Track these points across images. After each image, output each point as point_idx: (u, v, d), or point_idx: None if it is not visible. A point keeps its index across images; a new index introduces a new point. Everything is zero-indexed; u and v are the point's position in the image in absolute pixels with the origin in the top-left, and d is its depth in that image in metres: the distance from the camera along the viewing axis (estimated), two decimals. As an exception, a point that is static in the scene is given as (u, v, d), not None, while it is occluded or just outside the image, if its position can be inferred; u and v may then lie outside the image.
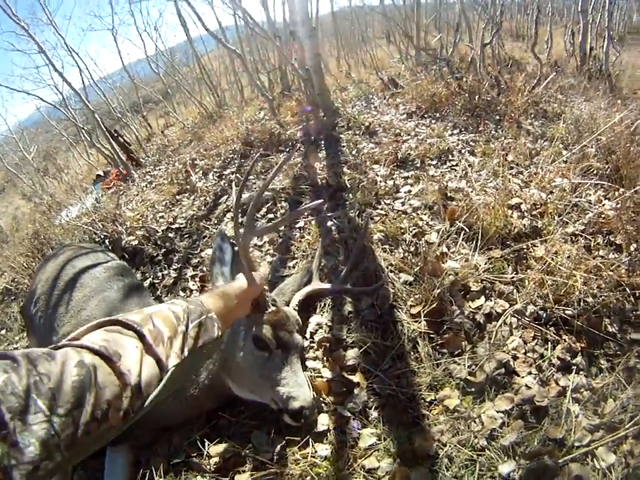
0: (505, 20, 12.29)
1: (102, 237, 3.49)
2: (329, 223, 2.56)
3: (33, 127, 13.92)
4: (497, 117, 4.08)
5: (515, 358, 1.65)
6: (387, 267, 2.10)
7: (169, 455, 1.63)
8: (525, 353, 1.67)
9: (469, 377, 1.62)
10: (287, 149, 3.98)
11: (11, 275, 4.15)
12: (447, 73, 5.76)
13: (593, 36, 7.29)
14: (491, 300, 1.89)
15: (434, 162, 3.28)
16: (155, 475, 1.47)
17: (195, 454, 1.56)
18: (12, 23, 6.29)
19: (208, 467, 1.51)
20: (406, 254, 2.18)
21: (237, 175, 3.75)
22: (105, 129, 6.56)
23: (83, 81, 8.19)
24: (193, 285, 2.62)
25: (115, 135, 6.75)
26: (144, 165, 6.60)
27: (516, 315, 1.80)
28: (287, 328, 1.55)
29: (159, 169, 5.69)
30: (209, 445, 1.55)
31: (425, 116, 4.48)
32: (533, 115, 4.10)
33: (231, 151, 4.45)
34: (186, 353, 0.87)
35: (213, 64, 10.07)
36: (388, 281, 2.02)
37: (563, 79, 5.77)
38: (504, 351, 1.67)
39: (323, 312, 2.01)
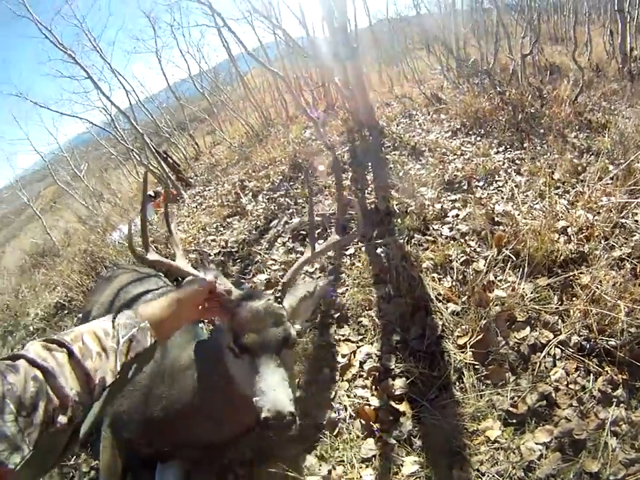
0: (542, 22, 11.93)
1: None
2: (379, 250, 2.61)
3: (83, 146, 14.45)
4: (542, 131, 4.07)
5: (556, 390, 1.68)
6: (436, 297, 2.15)
7: (218, 474, 1.73)
8: (567, 385, 1.70)
9: (511, 409, 1.66)
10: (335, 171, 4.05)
11: (64, 291, 4.36)
12: (489, 85, 5.76)
13: (633, 34, 6.93)
14: (536, 330, 1.92)
15: (480, 183, 3.32)
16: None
17: (243, 474, 1.66)
18: (59, 50, 6.63)
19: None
20: (454, 283, 2.23)
21: (286, 198, 3.84)
22: (154, 150, 6.82)
23: (130, 102, 8.52)
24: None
25: (165, 156, 6.99)
26: (193, 185, 6.80)
27: (560, 346, 1.83)
28: (251, 327, 1.38)
29: (209, 190, 5.85)
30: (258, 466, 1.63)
31: (470, 133, 4.52)
32: (577, 127, 4.07)
33: (279, 173, 4.58)
34: (118, 368, 0.97)
35: (255, 80, 10.26)
36: (436, 310, 2.07)
37: (605, 84, 5.66)
38: (547, 383, 1.71)
39: (373, 342, 2.09)
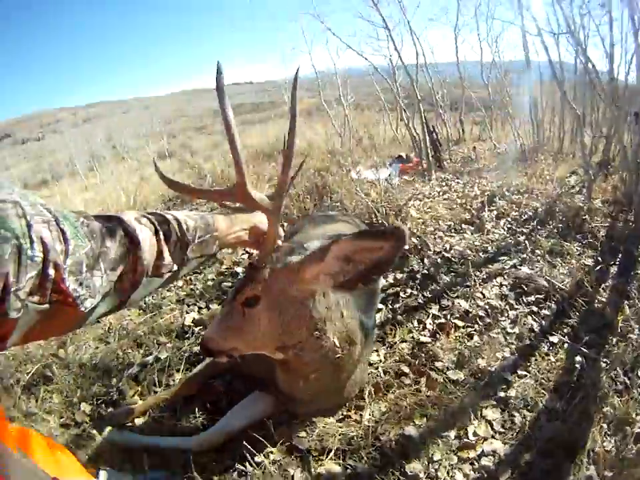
0: None
1: (379, 221, 3.70)
2: (578, 358, 2.27)
3: (357, 77, 15.15)
4: None
5: None
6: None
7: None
8: None
9: None
10: (584, 241, 3.54)
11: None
12: None
13: None
14: None
15: None
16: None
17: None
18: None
19: None
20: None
21: (526, 239, 3.53)
22: (424, 119, 6.83)
23: (417, 63, 8.56)
24: (430, 324, 2.63)
25: (432, 130, 7.01)
26: (445, 170, 6.69)
27: None
28: None
29: (457, 182, 5.68)
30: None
31: None
32: None
33: (531, 208, 4.24)
34: (186, 259, 1.21)
35: (542, 96, 9.48)
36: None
37: None
38: None
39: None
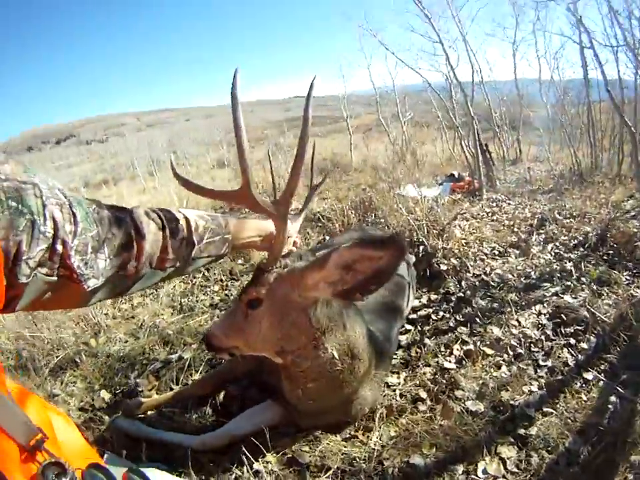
0: None
1: (420, 240, 3.64)
2: (613, 398, 2.09)
3: (416, 94, 15.09)
4: None
5: None
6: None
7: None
8: None
9: None
10: (634, 270, 3.29)
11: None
12: None
13: None
14: None
15: None
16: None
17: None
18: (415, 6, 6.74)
19: None
20: None
21: (572, 265, 3.33)
22: (477, 137, 6.72)
23: (472, 79, 8.42)
24: (457, 350, 2.56)
25: (485, 148, 6.88)
26: (497, 190, 6.52)
27: None
28: None
29: (509, 203, 5.54)
30: None
31: None
32: None
33: (582, 233, 4.00)
34: (191, 257, 1.26)
35: (602, 116, 9.04)
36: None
37: None
38: None
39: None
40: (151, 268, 1.13)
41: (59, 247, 0.83)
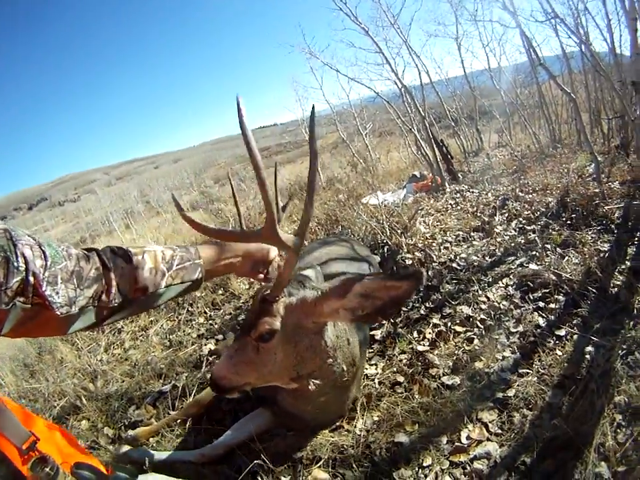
0: None
1: (383, 241, 3.72)
2: (589, 348, 2.14)
3: (373, 107, 15.39)
4: None
5: None
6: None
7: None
8: None
9: None
10: (599, 227, 3.38)
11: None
12: None
13: None
14: None
15: None
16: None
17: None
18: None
19: None
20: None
21: (537, 237, 3.38)
22: (431, 135, 6.87)
23: (421, 81, 8.72)
24: (430, 334, 2.61)
25: (441, 144, 7.01)
26: (460, 182, 6.63)
27: None
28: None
29: (472, 192, 5.64)
30: None
31: None
32: None
33: (544, 204, 4.11)
34: (163, 285, 1.32)
35: (553, 92, 9.31)
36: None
37: None
38: None
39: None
40: (124, 297, 1.23)
41: (31, 279, 0.97)
